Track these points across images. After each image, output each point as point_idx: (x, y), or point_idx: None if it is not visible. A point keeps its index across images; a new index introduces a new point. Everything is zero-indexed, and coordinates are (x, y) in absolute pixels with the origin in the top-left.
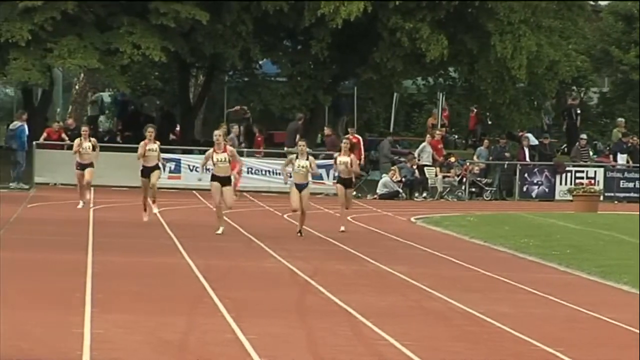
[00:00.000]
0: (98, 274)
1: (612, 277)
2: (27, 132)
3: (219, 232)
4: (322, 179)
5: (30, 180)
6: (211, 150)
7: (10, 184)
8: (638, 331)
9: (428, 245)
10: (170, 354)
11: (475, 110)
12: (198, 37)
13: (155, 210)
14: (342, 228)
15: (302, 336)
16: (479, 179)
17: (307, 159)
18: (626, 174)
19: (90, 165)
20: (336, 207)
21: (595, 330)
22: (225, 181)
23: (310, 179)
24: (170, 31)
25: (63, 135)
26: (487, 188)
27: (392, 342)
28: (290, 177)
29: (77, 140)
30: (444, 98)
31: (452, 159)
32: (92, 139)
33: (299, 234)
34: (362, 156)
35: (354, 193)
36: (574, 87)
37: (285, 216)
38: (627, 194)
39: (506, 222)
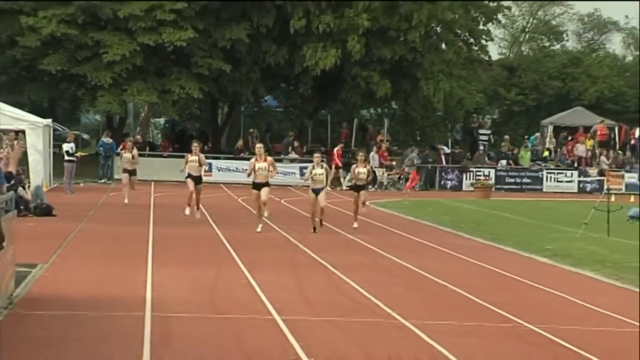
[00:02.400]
0: (156, 240)
1: (501, 242)
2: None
3: (259, 229)
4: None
5: (111, 177)
6: (253, 159)
7: (99, 180)
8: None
9: (378, 221)
10: (205, 294)
11: (346, 127)
12: (223, 81)
13: (198, 215)
14: (355, 225)
15: (293, 282)
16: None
17: (322, 167)
18: (510, 173)
19: (133, 172)
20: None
21: (492, 278)
22: (263, 186)
23: (325, 183)
24: (205, 77)
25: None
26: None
27: (355, 286)
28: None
29: (123, 152)
30: (388, 123)
31: (394, 162)
32: (134, 150)
33: (313, 231)
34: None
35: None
36: (475, 115)
37: (282, 201)
38: (510, 186)
39: (430, 205)
